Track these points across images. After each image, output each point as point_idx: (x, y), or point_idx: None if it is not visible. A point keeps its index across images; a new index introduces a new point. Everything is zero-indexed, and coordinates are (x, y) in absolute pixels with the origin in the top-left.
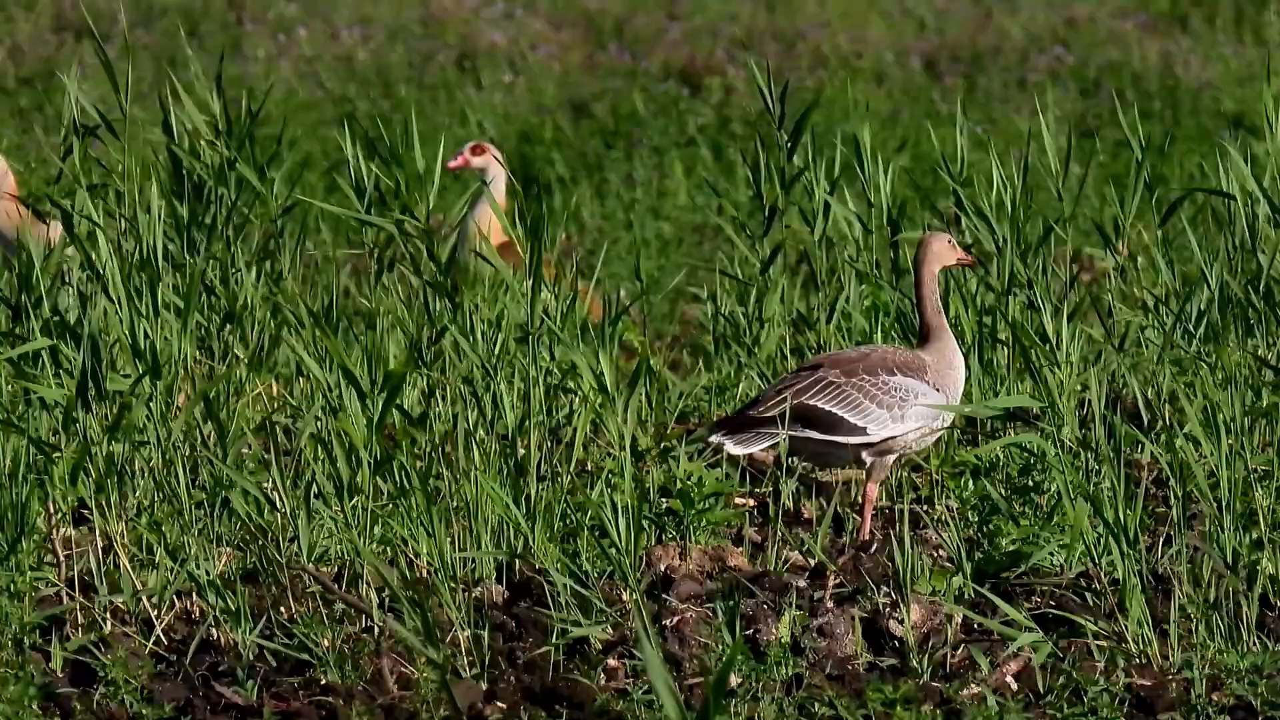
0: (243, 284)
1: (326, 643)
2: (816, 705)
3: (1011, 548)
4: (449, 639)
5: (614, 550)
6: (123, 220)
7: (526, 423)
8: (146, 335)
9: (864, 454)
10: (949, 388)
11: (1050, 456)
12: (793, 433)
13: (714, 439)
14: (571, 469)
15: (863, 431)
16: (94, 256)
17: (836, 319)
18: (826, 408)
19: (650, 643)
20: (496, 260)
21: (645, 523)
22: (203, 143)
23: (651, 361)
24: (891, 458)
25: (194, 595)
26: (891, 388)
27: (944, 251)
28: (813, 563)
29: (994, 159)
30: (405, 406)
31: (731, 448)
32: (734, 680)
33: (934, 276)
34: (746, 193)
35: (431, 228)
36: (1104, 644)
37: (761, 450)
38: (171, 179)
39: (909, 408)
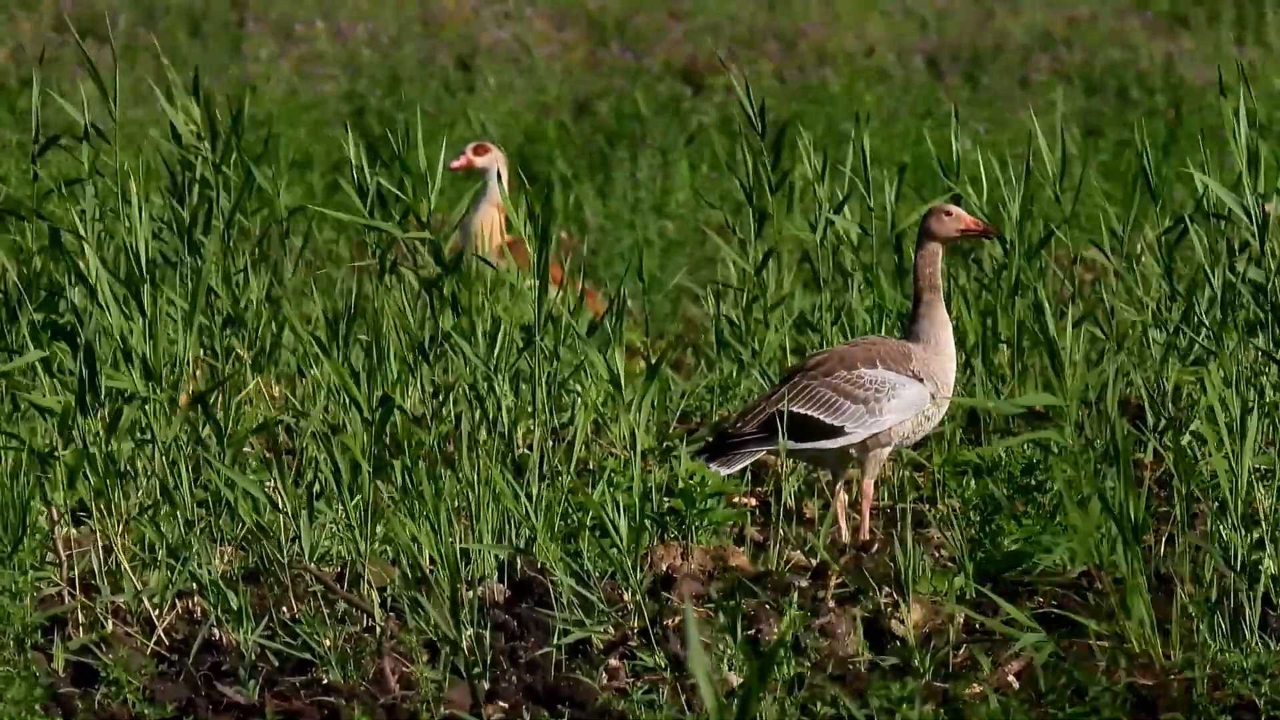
0: (245, 285)
1: (328, 642)
2: (818, 705)
3: (1014, 547)
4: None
5: (615, 550)
6: (118, 223)
7: (529, 422)
8: (139, 338)
9: (853, 451)
10: (937, 375)
11: (1055, 454)
12: (772, 446)
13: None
14: (572, 468)
15: (840, 431)
16: (81, 264)
17: (837, 318)
18: (802, 411)
19: (693, 632)
20: (511, 260)
21: (647, 522)
22: (192, 145)
23: (658, 359)
24: (886, 451)
25: (195, 595)
26: (867, 381)
27: (943, 225)
28: (814, 562)
29: (988, 159)
30: (407, 407)
31: (718, 469)
32: (735, 680)
33: (933, 251)
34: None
35: (434, 229)
36: (1106, 644)
37: (750, 463)
38: (171, 180)
39: (885, 401)
